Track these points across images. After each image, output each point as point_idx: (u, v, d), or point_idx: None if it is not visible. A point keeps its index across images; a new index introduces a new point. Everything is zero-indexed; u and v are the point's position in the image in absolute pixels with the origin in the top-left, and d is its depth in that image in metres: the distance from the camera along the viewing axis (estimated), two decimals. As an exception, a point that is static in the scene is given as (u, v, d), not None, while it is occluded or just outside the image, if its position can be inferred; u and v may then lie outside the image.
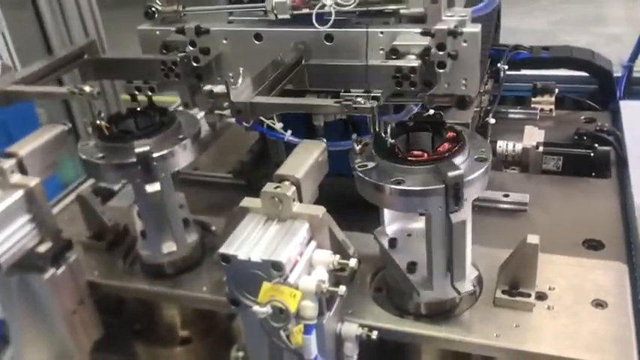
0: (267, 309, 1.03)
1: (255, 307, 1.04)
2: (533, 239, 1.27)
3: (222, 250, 1.11)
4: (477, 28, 1.29)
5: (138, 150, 1.31)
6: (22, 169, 1.35)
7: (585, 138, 1.89)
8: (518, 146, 1.84)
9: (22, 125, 1.78)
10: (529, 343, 1.23)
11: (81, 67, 1.56)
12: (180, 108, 1.60)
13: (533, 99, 2.14)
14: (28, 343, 1.43)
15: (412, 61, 1.26)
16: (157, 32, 1.53)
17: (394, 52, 1.28)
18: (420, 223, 1.36)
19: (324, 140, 1.32)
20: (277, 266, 1.06)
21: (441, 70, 1.27)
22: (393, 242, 1.34)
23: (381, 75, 1.27)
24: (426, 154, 1.21)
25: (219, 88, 1.54)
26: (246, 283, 1.11)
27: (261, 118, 1.44)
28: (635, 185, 1.62)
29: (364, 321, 1.29)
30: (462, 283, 1.26)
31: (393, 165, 1.18)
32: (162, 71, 1.46)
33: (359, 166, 1.21)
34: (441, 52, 1.26)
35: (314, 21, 1.33)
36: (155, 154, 1.33)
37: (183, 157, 1.40)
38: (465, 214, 1.16)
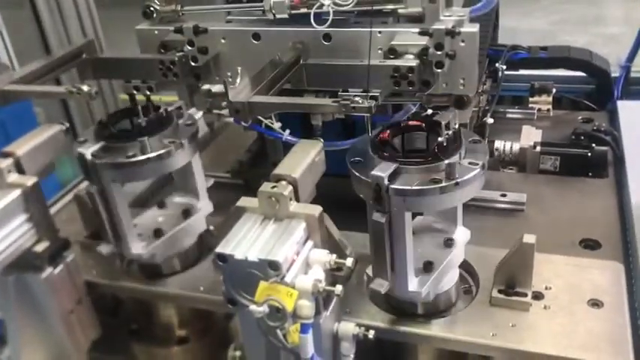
0: (264, 308, 1.03)
1: (252, 307, 1.04)
2: (529, 239, 1.27)
3: (219, 249, 1.11)
4: (475, 28, 1.30)
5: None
6: (19, 168, 1.34)
7: (583, 138, 1.89)
8: (516, 146, 1.84)
9: (19, 124, 1.78)
10: (525, 343, 1.23)
11: (79, 67, 1.56)
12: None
13: (530, 99, 2.14)
14: (26, 342, 1.43)
15: (410, 61, 1.26)
16: (155, 32, 1.53)
17: (392, 52, 1.29)
18: (423, 221, 1.37)
19: (322, 140, 1.33)
20: (274, 265, 1.06)
21: (439, 70, 1.27)
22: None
23: (379, 75, 1.27)
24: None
25: (218, 88, 1.55)
26: (243, 283, 1.11)
27: (260, 117, 1.45)
28: (632, 185, 1.62)
29: (361, 320, 1.29)
30: (380, 281, 1.23)
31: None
32: (160, 71, 1.46)
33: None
34: (439, 52, 1.26)
35: (312, 21, 1.34)
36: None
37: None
38: (391, 217, 1.15)
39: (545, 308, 1.30)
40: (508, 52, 1.95)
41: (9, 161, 1.33)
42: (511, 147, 1.84)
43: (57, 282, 1.37)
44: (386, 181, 1.11)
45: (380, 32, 1.34)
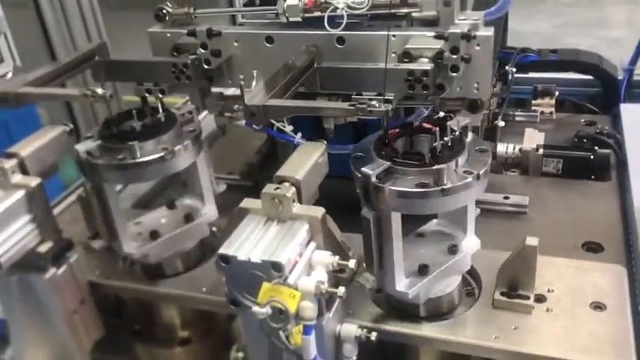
0: (267, 309, 1.03)
1: (255, 308, 1.04)
2: (532, 241, 1.27)
3: (222, 250, 1.11)
4: (490, 32, 1.29)
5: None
6: (23, 169, 1.35)
7: (585, 141, 1.89)
8: (518, 149, 1.84)
9: (23, 126, 1.78)
10: (528, 345, 1.23)
11: (92, 69, 1.57)
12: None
13: (533, 101, 2.14)
14: (29, 342, 1.43)
15: (425, 65, 1.26)
16: (168, 34, 1.53)
17: (406, 55, 1.28)
18: (435, 224, 1.38)
19: (325, 142, 1.33)
20: (277, 267, 1.07)
21: (454, 74, 1.27)
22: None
23: (393, 78, 1.27)
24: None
25: (230, 91, 1.55)
26: (245, 284, 1.11)
27: (272, 120, 1.44)
28: (634, 188, 1.62)
29: (363, 322, 1.29)
30: (367, 275, 1.24)
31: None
32: (173, 73, 1.46)
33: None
34: (454, 56, 1.26)
35: (326, 24, 1.33)
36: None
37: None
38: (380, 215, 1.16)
39: (547, 311, 1.30)
40: (518, 55, 1.95)
41: (13, 162, 1.33)
42: (514, 149, 1.84)
43: (60, 282, 1.38)
44: (373, 179, 1.12)
45: (394, 36, 1.34)
